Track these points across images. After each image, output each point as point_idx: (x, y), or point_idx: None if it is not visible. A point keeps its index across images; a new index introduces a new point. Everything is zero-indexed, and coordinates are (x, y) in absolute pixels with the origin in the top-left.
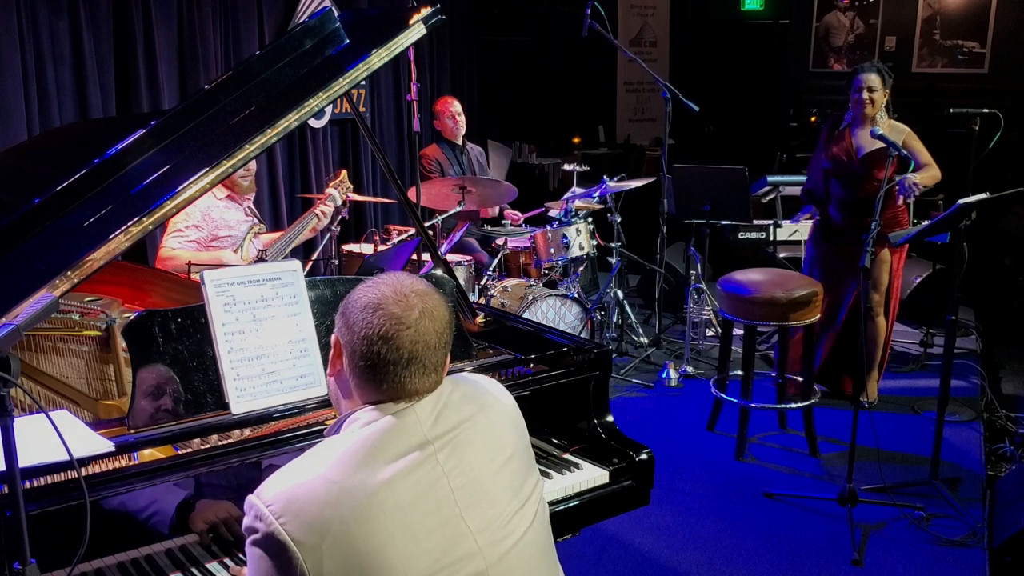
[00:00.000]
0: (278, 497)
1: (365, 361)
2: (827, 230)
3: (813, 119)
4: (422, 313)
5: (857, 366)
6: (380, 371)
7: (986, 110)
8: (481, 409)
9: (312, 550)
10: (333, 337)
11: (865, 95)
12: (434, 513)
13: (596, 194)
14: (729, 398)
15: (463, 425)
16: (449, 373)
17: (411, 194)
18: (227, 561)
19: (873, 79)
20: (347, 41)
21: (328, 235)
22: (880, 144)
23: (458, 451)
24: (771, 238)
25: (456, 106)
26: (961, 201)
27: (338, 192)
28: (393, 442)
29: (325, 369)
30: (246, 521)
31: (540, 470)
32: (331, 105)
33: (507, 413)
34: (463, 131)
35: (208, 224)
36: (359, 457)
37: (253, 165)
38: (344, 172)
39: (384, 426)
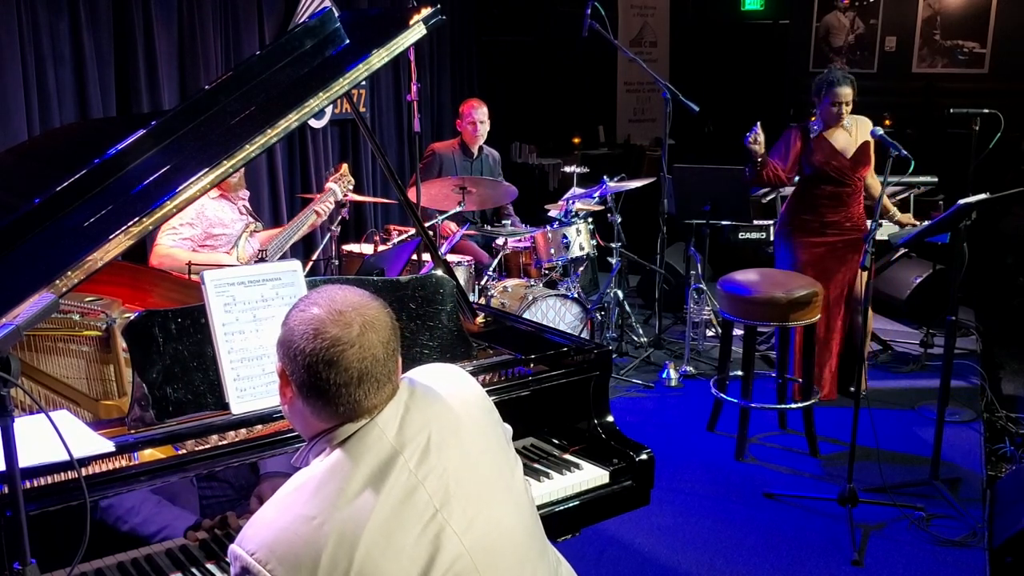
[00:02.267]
0: (261, 544)
1: (314, 390)
2: (815, 230)
3: (813, 119)
4: (363, 327)
5: (857, 361)
6: (332, 396)
7: (986, 110)
8: (445, 404)
9: None
10: (277, 367)
11: (844, 109)
12: (416, 522)
13: (596, 194)
14: (729, 398)
15: (430, 425)
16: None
17: (411, 194)
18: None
19: (848, 93)
20: (347, 41)
21: (328, 235)
22: (863, 140)
23: (429, 455)
24: (771, 238)
25: (479, 114)
26: (961, 201)
27: (338, 186)
28: (363, 462)
29: None
30: (233, 572)
31: (540, 470)
32: (331, 105)
33: (472, 400)
34: (481, 140)
35: (201, 222)
36: (332, 487)
37: None
38: (344, 166)
39: (350, 449)
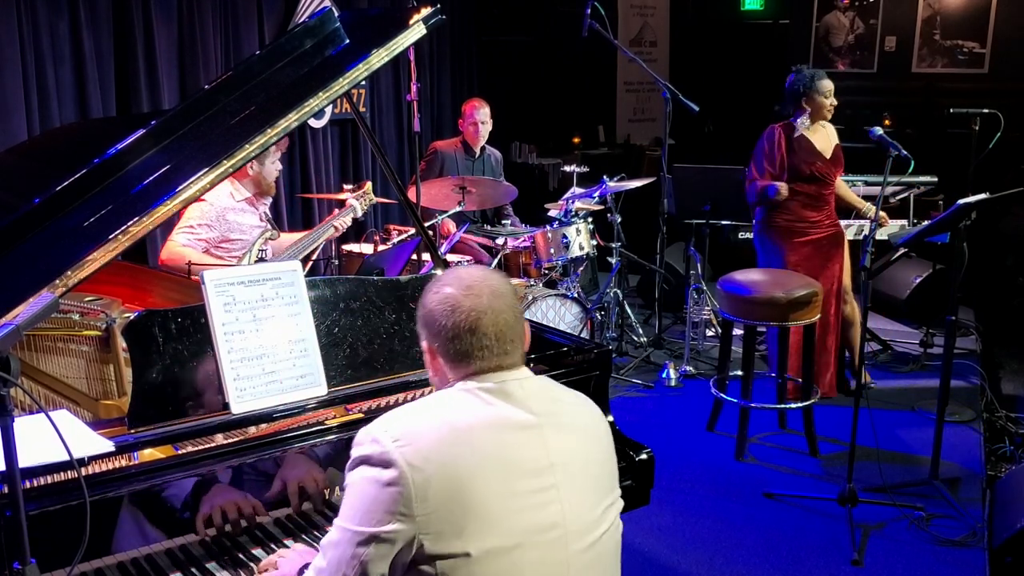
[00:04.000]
0: (396, 426)
1: (460, 354)
2: (800, 231)
3: (788, 120)
4: (491, 295)
5: (859, 359)
6: (476, 356)
7: (986, 110)
8: (574, 412)
9: (422, 476)
10: (424, 346)
11: (834, 100)
12: (535, 477)
13: (596, 194)
14: (729, 398)
15: (561, 416)
16: None
17: (411, 194)
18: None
19: (832, 85)
20: (347, 41)
21: None
22: (835, 142)
23: (559, 433)
24: None
25: (481, 114)
26: (961, 201)
27: (359, 204)
28: (503, 402)
29: (324, 369)
30: (357, 452)
31: None
32: (331, 105)
33: (601, 431)
34: (483, 140)
35: (221, 226)
36: (475, 407)
37: (278, 163)
38: (368, 184)
39: (494, 387)
